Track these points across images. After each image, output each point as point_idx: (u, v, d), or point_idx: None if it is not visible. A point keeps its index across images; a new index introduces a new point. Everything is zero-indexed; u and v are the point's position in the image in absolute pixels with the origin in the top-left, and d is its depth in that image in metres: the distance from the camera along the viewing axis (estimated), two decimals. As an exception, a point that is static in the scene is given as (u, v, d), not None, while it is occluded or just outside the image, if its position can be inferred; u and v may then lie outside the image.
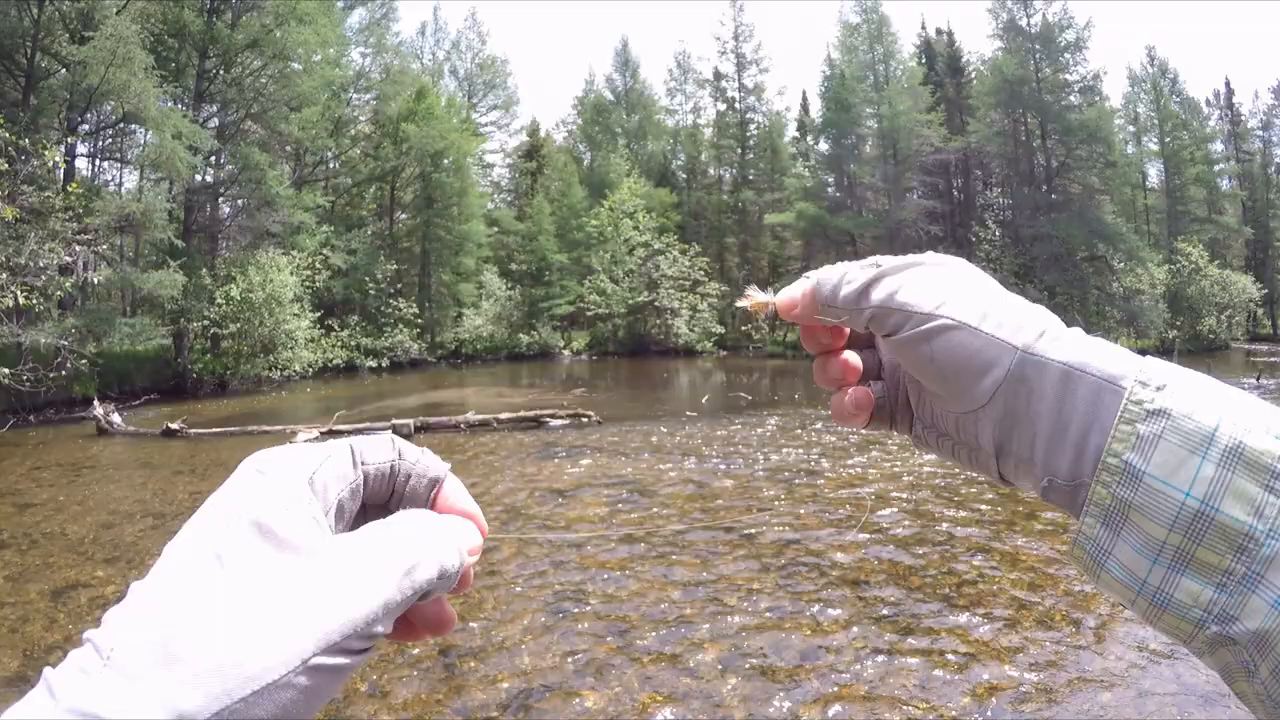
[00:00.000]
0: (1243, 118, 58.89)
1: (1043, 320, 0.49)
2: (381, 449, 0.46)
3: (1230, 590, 0.40)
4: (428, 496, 0.47)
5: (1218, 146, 56.78)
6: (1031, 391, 0.47)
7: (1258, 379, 23.86)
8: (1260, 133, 58.62)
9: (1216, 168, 55.60)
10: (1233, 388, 0.44)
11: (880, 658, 4.81)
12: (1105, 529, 0.44)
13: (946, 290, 0.51)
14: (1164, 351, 34.78)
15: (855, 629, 5.24)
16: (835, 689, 4.44)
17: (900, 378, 0.60)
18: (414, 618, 0.43)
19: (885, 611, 5.54)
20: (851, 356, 0.59)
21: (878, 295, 0.52)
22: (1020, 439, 0.48)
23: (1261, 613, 0.39)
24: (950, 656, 4.80)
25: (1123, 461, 0.42)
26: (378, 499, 0.46)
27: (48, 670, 0.33)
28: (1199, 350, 37.91)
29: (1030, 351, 0.47)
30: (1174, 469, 0.41)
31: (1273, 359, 33.14)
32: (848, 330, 0.58)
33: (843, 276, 0.54)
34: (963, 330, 0.49)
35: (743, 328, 47.74)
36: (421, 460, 0.47)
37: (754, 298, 0.61)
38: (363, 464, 0.44)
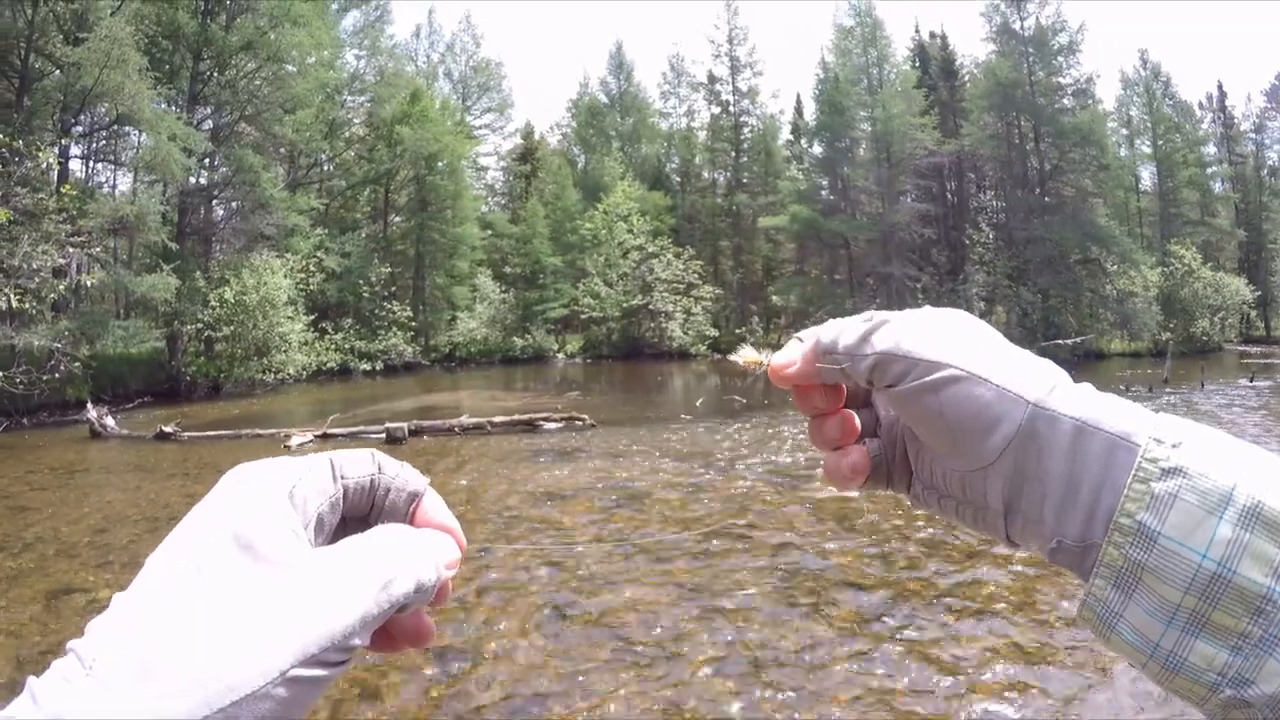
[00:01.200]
0: (1235, 120, 59.10)
1: (1052, 374, 0.47)
2: (361, 463, 0.46)
3: (1246, 654, 0.38)
4: (407, 510, 0.47)
5: (1210, 149, 56.99)
6: (1042, 448, 0.45)
7: (1251, 380, 23.94)
8: (1253, 135, 58.88)
9: (1209, 170, 55.81)
10: (1249, 444, 0.42)
11: (878, 661, 4.81)
12: (1116, 591, 0.42)
13: (952, 340, 0.48)
14: (1157, 354, 34.89)
15: (852, 632, 5.25)
16: (832, 693, 4.44)
17: (898, 434, 0.57)
18: (393, 630, 0.43)
19: (882, 614, 5.55)
20: (850, 414, 0.56)
21: (881, 342, 0.49)
22: (1030, 498, 0.46)
23: (1278, 676, 0.38)
24: (947, 658, 4.81)
25: (1136, 522, 0.41)
26: (357, 512, 0.46)
27: (32, 679, 0.33)
28: (1192, 352, 37.98)
29: (1042, 406, 0.45)
30: (1190, 530, 0.40)
31: (1266, 360, 33.25)
32: (844, 391, 0.55)
33: (842, 326, 0.52)
34: (972, 381, 0.46)
35: (736, 331, 47.76)
36: (401, 474, 0.47)
37: (747, 355, 0.59)
38: (342, 478, 0.45)
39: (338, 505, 0.45)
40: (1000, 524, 0.48)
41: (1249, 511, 0.39)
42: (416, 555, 0.42)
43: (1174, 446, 0.42)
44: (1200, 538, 0.39)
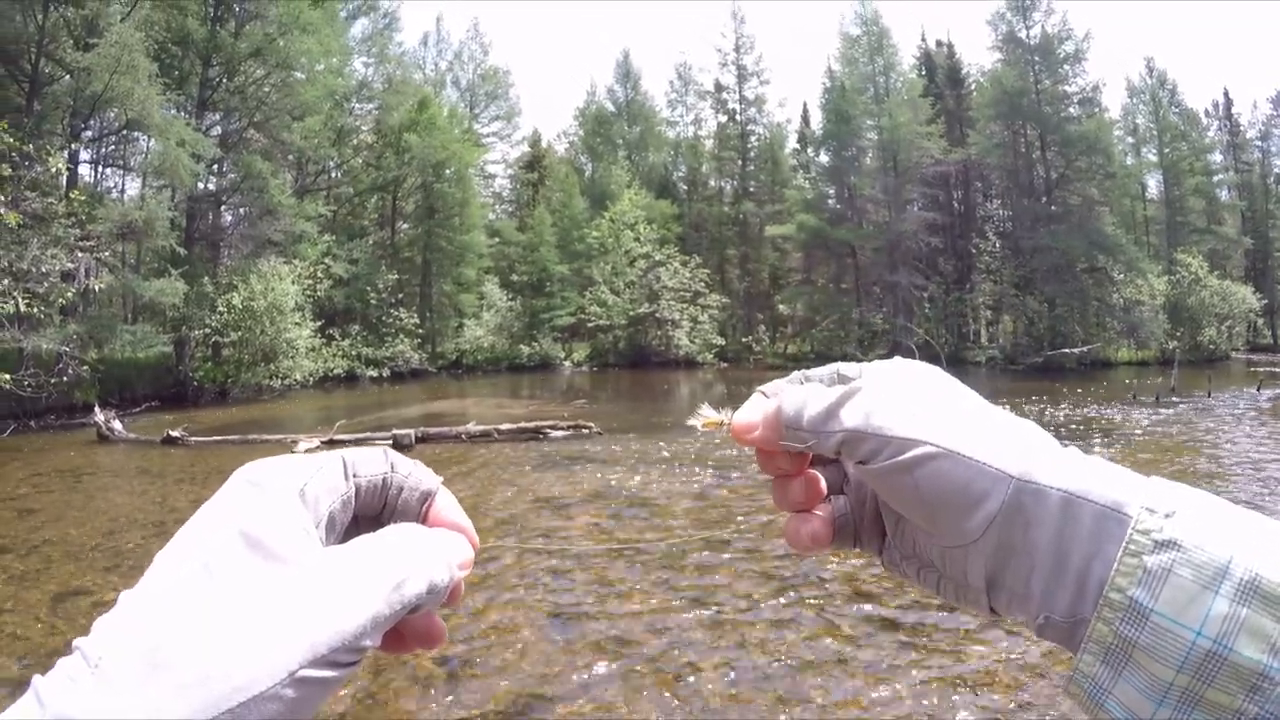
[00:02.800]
0: (1241, 128, 59.11)
1: (1035, 440, 0.45)
2: (374, 461, 0.46)
3: None
4: (420, 510, 0.46)
5: (1216, 157, 56.91)
6: (1029, 523, 0.42)
7: (1258, 389, 23.83)
8: (1259, 143, 58.86)
9: (1215, 178, 55.73)
10: (1246, 511, 0.41)
11: (885, 669, 4.78)
12: (1105, 668, 0.40)
13: (927, 411, 0.46)
14: (1164, 362, 34.77)
15: (859, 640, 5.22)
16: (838, 701, 4.42)
17: (867, 494, 0.54)
18: (404, 631, 0.43)
19: (889, 622, 5.52)
20: (816, 476, 0.53)
21: (850, 419, 0.46)
22: (1015, 573, 0.44)
23: None
24: (957, 666, 4.78)
25: (1127, 598, 0.39)
26: (370, 511, 0.46)
27: (37, 678, 0.33)
28: (1199, 361, 37.86)
29: (1027, 480, 0.43)
30: (1184, 606, 0.38)
31: (1273, 369, 33.10)
32: (810, 453, 0.51)
33: (807, 397, 0.49)
34: (950, 459, 0.44)
35: (743, 339, 47.75)
36: (414, 473, 0.47)
37: (706, 416, 0.55)
38: (355, 476, 0.44)
39: (349, 504, 0.44)
40: (983, 600, 0.46)
41: (1246, 586, 0.37)
42: (429, 555, 0.42)
43: (1167, 517, 0.40)
44: (1195, 614, 0.37)
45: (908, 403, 0.46)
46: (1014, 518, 0.43)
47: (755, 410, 0.51)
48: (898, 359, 0.51)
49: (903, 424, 0.45)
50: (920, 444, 0.44)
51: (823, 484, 0.54)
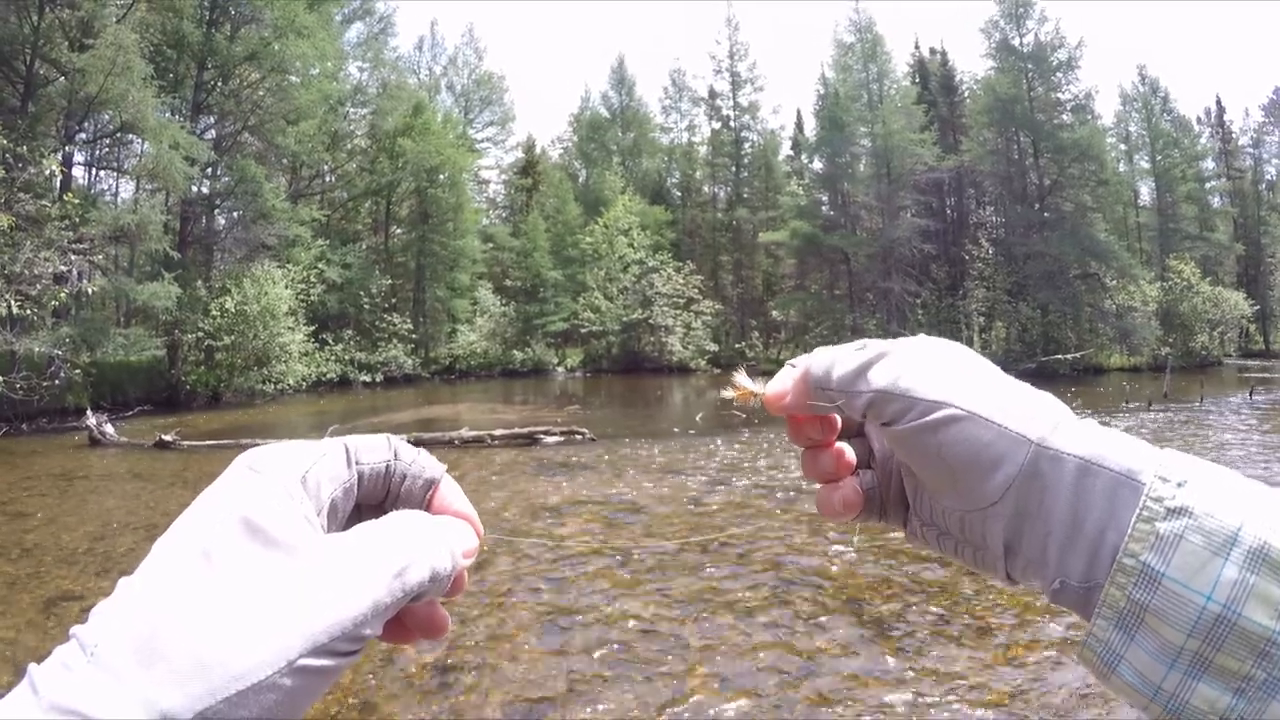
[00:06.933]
0: (1233, 135, 59.62)
1: (1054, 410, 0.46)
2: (377, 449, 0.45)
3: (1249, 697, 0.37)
4: (423, 497, 0.46)
5: (1209, 164, 57.32)
6: (1046, 488, 0.43)
7: (1250, 395, 23.93)
8: (1251, 150, 59.42)
9: (1208, 185, 56.10)
10: (1256, 482, 0.41)
11: (876, 677, 4.78)
12: (1118, 632, 0.41)
13: (952, 376, 0.47)
14: (1157, 368, 34.89)
15: (852, 647, 5.21)
16: (831, 709, 4.41)
17: (893, 468, 0.56)
18: (406, 620, 0.43)
19: (881, 629, 5.52)
20: (845, 448, 0.55)
21: (878, 379, 0.48)
22: (1031, 539, 0.45)
23: None
24: (945, 675, 4.78)
25: (1140, 562, 0.40)
26: (372, 499, 0.45)
27: (32, 666, 0.32)
28: (1191, 367, 38.00)
29: (1045, 445, 0.44)
30: (1195, 571, 0.39)
31: (1265, 375, 33.25)
32: (839, 423, 0.54)
33: (835, 358, 0.50)
34: (973, 421, 0.45)
35: (736, 346, 47.77)
36: (417, 461, 0.47)
37: (741, 386, 0.57)
38: (357, 463, 0.44)
39: (352, 492, 0.44)
40: (1000, 565, 0.47)
41: (1255, 553, 0.38)
42: (432, 542, 0.41)
43: (1179, 485, 0.41)
44: (1205, 579, 0.38)
45: (934, 368, 0.47)
46: (1032, 482, 0.44)
47: (786, 377, 0.53)
48: (922, 335, 0.51)
49: (929, 387, 0.46)
50: (945, 406, 0.45)
51: (851, 456, 0.55)
